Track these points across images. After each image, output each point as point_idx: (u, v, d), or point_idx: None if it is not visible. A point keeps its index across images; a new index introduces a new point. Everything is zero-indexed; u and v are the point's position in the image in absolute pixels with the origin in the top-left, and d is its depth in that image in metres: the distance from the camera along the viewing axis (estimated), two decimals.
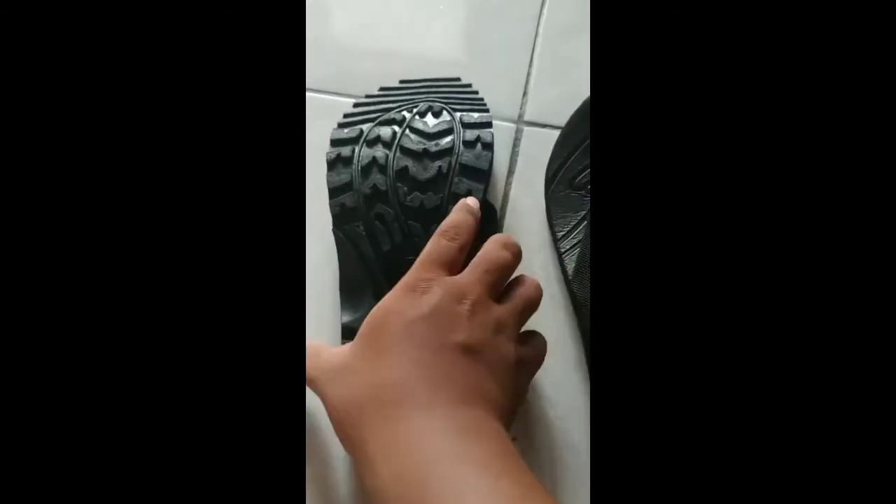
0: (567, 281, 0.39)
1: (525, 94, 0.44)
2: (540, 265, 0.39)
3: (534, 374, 0.33)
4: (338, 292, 0.37)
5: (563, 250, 0.39)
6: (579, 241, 0.39)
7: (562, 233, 0.40)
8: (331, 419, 0.29)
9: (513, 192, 0.42)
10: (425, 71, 0.44)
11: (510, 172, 0.42)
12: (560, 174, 0.41)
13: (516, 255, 0.33)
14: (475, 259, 0.32)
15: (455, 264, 0.32)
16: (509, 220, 0.41)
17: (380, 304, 0.31)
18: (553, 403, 0.36)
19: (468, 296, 0.30)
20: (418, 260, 0.32)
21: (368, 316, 0.31)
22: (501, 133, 0.43)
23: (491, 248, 0.33)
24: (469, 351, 0.29)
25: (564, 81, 0.44)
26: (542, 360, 0.33)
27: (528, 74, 0.45)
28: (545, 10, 0.47)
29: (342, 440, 0.29)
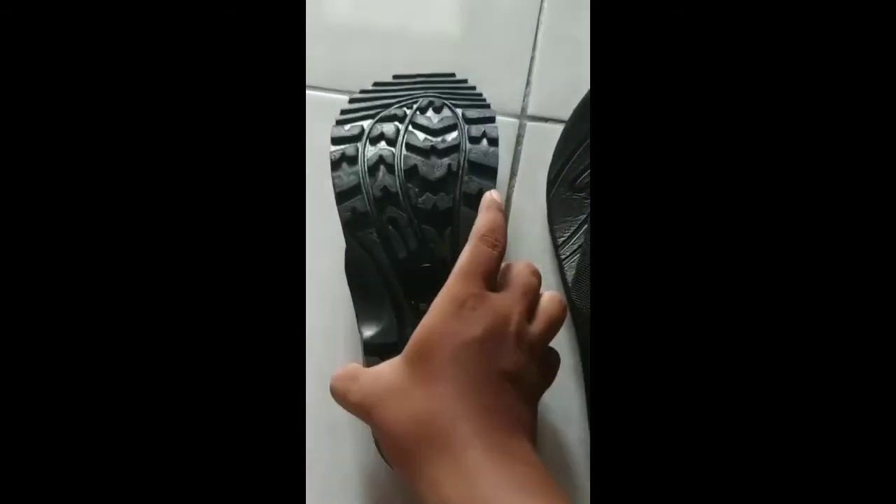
0: (566, 289, 0.40)
1: (528, 83, 0.43)
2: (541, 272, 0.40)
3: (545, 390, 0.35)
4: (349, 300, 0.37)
5: (563, 257, 0.40)
6: (579, 247, 0.40)
7: (562, 238, 0.40)
8: (381, 441, 0.31)
9: (515, 196, 0.42)
10: (425, 57, 0.43)
11: (513, 174, 0.42)
12: (562, 174, 0.41)
13: (540, 283, 0.34)
14: (514, 278, 0.33)
15: (495, 273, 0.33)
16: (512, 225, 0.41)
17: (427, 321, 0.31)
18: (550, 409, 0.39)
19: (513, 317, 0.31)
20: (460, 270, 0.32)
21: (416, 335, 0.31)
22: (504, 129, 0.42)
23: (523, 272, 0.33)
24: (511, 378, 0.30)
25: (569, 68, 0.43)
26: (554, 378, 0.34)
27: (532, 59, 0.44)
28: None
29: (394, 462, 0.31)
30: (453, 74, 0.42)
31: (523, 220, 0.41)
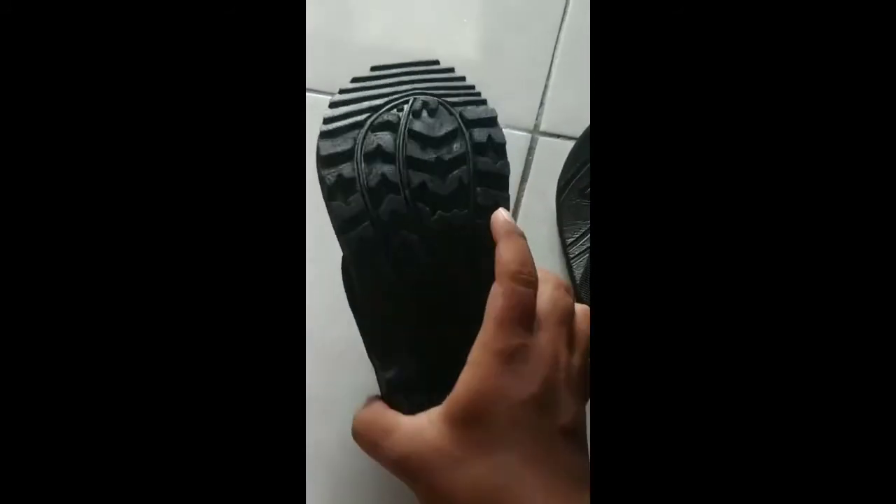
0: (575, 287, 0.40)
1: (542, 104, 0.46)
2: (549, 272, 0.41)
3: None
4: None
5: (571, 256, 0.40)
6: (588, 248, 0.40)
7: (571, 239, 0.41)
8: None
9: (525, 200, 0.43)
10: None
11: (523, 179, 0.43)
12: (572, 183, 0.42)
13: (573, 298, 0.31)
14: (547, 308, 0.30)
15: (534, 313, 0.29)
16: (520, 227, 0.42)
17: (474, 380, 0.28)
18: None
19: (560, 360, 0.28)
20: (499, 318, 0.28)
21: (463, 394, 0.28)
22: (516, 141, 0.44)
23: (555, 294, 0.30)
24: (570, 433, 0.28)
25: (583, 91, 0.45)
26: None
27: (546, 86, 0.46)
28: (567, 18, 0.48)
29: None
30: (437, 62, 0.36)
31: (533, 222, 0.42)
